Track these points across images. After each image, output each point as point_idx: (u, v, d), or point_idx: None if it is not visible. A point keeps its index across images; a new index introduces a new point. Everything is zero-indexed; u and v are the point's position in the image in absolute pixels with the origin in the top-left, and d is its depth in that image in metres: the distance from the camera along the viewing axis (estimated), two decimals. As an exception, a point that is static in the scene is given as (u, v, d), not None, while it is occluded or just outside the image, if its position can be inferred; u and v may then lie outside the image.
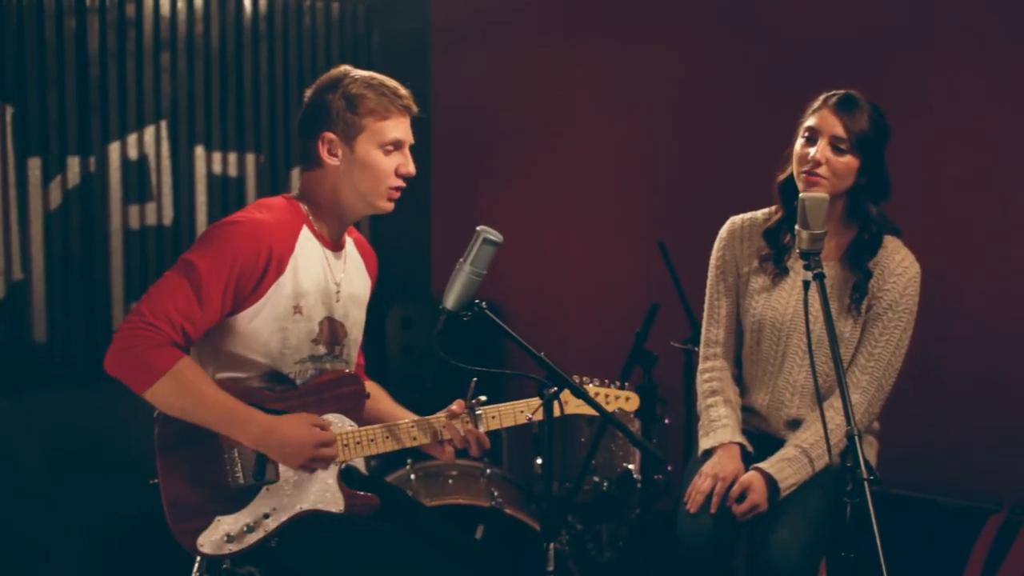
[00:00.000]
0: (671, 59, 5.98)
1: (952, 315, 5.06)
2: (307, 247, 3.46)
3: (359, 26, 6.56)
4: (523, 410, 3.65)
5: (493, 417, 3.63)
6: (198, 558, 3.47)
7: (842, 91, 3.82)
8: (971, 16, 5.10)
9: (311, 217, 3.51)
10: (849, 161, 3.75)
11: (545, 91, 6.44)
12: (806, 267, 3.34)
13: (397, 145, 3.48)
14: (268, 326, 3.38)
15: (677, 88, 5.98)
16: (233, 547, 3.36)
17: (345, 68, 3.53)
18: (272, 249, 3.33)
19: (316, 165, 3.49)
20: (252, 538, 3.38)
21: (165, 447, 3.32)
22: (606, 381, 3.86)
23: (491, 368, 3.54)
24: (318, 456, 3.37)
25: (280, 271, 3.37)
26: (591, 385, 3.80)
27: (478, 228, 3.23)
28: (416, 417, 3.64)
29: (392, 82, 3.51)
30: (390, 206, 3.54)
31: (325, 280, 3.52)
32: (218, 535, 3.34)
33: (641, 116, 6.11)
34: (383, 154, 3.46)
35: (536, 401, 3.58)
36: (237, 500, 3.38)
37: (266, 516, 3.40)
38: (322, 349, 3.53)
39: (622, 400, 3.86)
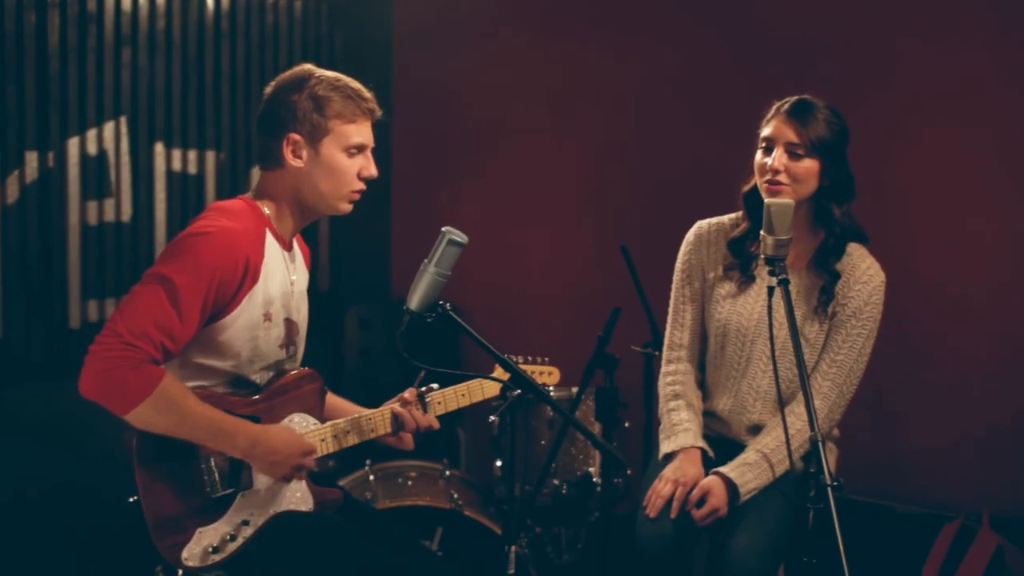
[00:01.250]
0: (636, 61, 5.99)
1: (912, 322, 5.08)
2: (271, 252, 3.45)
3: (322, 24, 6.53)
4: (464, 393, 3.74)
5: (439, 403, 3.70)
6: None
7: (795, 97, 3.84)
8: (936, 24, 5.15)
9: (272, 219, 3.49)
10: (809, 165, 3.77)
11: (508, 92, 6.43)
12: (771, 273, 3.35)
13: (360, 148, 3.48)
14: (241, 335, 3.35)
15: (642, 90, 5.99)
16: (217, 557, 3.35)
17: (309, 68, 3.51)
18: (249, 259, 3.30)
19: (278, 165, 3.47)
20: (233, 546, 3.37)
21: (144, 463, 3.27)
22: (528, 358, 4.00)
23: (449, 368, 3.57)
24: (303, 465, 3.37)
25: (255, 280, 3.34)
26: (516, 364, 3.85)
27: (443, 229, 3.22)
28: (358, 410, 3.67)
29: (357, 84, 3.50)
30: (349, 207, 3.54)
31: (286, 282, 3.51)
32: (201, 547, 3.33)
33: (605, 118, 6.11)
34: (347, 157, 3.45)
35: (476, 384, 3.72)
36: (215, 510, 3.36)
37: (244, 523, 3.40)
38: (284, 353, 3.53)
39: (545, 375, 4.01)
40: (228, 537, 3.36)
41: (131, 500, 3.28)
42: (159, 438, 3.22)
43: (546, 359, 4.00)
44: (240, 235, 3.31)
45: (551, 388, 4.06)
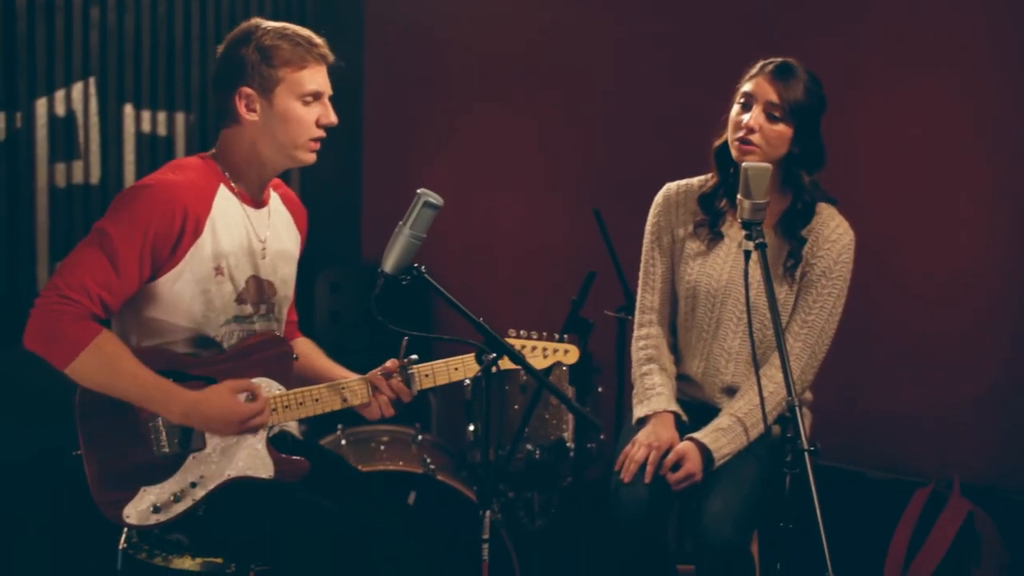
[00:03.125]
0: (610, 22, 5.96)
1: (883, 289, 5.08)
2: (225, 207, 3.40)
3: (293, -16, 6.49)
4: (457, 367, 3.60)
5: (426, 375, 3.58)
6: (125, 528, 3.42)
7: (779, 59, 3.83)
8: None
9: (228, 175, 3.45)
10: (782, 130, 3.76)
11: (481, 53, 6.40)
12: (748, 237, 3.34)
13: (316, 96, 3.43)
14: (190, 289, 3.31)
15: (615, 52, 5.96)
16: (160, 517, 3.31)
17: (256, 20, 3.46)
18: (187, 210, 3.26)
19: (234, 121, 3.43)
20: (179, 507, 3.33)
21: (86, 417, 3.26)
22: (544, 334, 3.79)
23: (424, 332, 3.52)
24: (246, 428, 3.32)
25: (198, 233, 3.30)
26: (529, 339, 3.75)
27: (419, 191, 3.19)
28: (348, 376, 3.60)
29: (306, 31, 3.45)
30: (312, 157, 3.49)
31: (248, 238, 3.46)
32: (144, 505, 3.29)
33: (580, 80, 6.08)
34: (303, 105, 3.40)
35: (470, 358, 3.56)
36: (163, 470, 3.33)
37: (193, 485, 3.35)
38: (248, 309, 3.48)
39: (560, 353, 3.78)
40: (173, 498, 3.32)
41: (75, 453, 3.28)
42: (102, 393, 3.21)
43: (565, 336, 3.82)
44: (181, 187, 3.29)
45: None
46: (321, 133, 3.46)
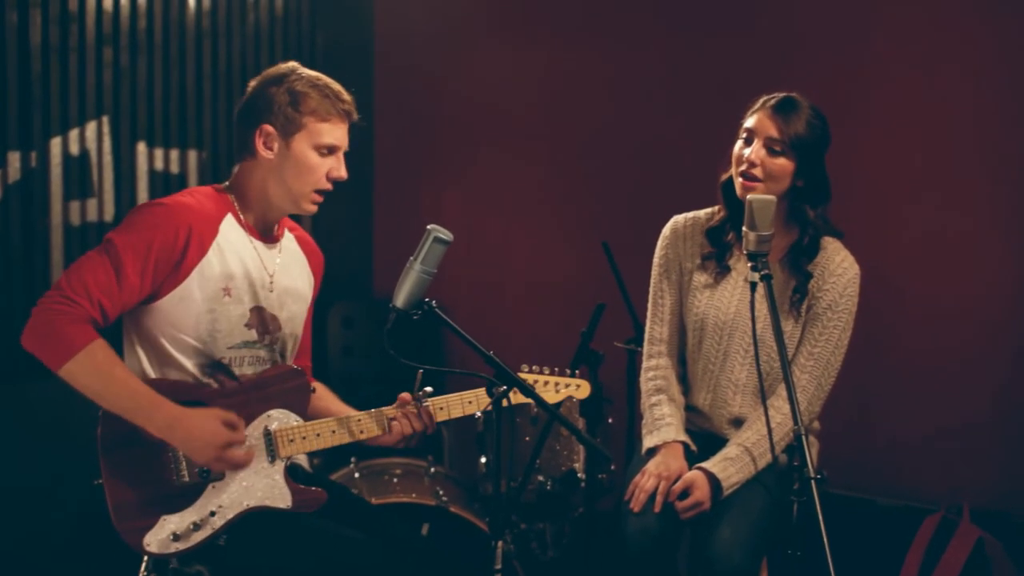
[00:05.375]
0: (615, 59, 6.00)
1: (889, 315, 5.11)
2: (230, 234, 3.48)
3: (303, 23, 6.54)
4: (471, 400, 3.64)
5: (440, 408, 3.62)
6: (145, 557, 3.45)
7: (782, 94, 3.85)
8: (912, 19, 5.17)
9: (237, 206, 3.53)
10: (784, 163, 3.79)
11: (489, 90, 6.44)
12: (753, 268, 3.36)
13: (332, 149, 3.51)
14: (197, 308, 3.38)
15: (622, 89, 6.00)
16: (180, 546, 3.35)
17: (293, 64, 3.55)
18: (192, 230, 3.34)
19: (250, 155, 3.51)
20: (199, 536, 3.37)
21: (108, 447, 3.31)
22: (555, 369, 3.82)
23: (435, 366, 3.54)
24: (225, 458, 3.32)
25: (202, 252, 3.38)
26: (541, 374, 3.78)
27: (428, 227, 3.24)
28: (358, 412, 3.62)
29: (337, 85, 3.54)
30: (313, 208, 3.56)
31: (253, 268, 3.52)
32: (164, 534, 3.33)
33: (586, 116, 6.12)
34: (317, 155, 3.48)
35: (484, 392, 3.57)
36: (183, 498, 3.37)
37: (212, 514, 3.39)
38: (254, 335, 3.53)
39: (572, 388, 3.82)
40: (192, 527, 3.36)
41: (96, 483, 3.32)
42: (126, 423, 3.25)
43: (576, 372, 3.83)
44: (189, 208, 3.39)
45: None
46: (328, 186, 3.53)
